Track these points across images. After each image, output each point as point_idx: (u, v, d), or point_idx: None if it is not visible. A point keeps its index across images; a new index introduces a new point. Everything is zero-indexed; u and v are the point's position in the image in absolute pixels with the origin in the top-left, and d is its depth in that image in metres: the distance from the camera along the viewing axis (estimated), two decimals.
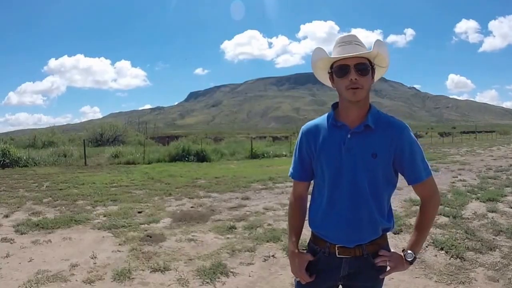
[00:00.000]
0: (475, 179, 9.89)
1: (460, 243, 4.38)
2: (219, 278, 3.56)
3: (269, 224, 5.50)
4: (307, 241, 1.73)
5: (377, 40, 1.48)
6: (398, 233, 4.78)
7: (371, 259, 1.56)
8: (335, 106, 1.61)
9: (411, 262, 1.56)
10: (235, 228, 5.27)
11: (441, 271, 3.65)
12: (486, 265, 3.77)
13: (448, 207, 6.14)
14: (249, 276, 3.64)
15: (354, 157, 1.50)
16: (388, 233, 1.66)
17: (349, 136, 1.51)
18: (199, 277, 3.57)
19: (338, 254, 1.56)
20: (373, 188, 1.51)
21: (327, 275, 1.61)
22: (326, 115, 1.62)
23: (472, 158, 16.82)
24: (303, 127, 1.66)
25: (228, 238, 4.86)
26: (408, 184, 1.57)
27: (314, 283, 1.63)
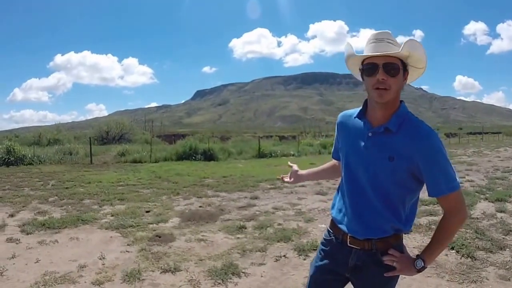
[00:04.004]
0: (483, 180, 9.86)
1: (470, 243, 4.39)
2: (231, 278, 3.54)
3: (279, 224, 5.49)
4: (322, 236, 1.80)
5: (409, 40, 1.40)
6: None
7: (379, 255, 1.54)
8: (366, 102, 1.59)
9: (419, 270, 1.50)
10: (245, 228, 5.26)
11: (453, 270, 3.65)
12: (497, 264, 3.79)
13: None
14: (261, 276, 3.63)
15: (369, 156, 1.50)
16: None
17: (369, 134, 1.51)
18: (210, 278, 3.55)
19: (349, 243, 1.59)
20: (382, 189, 1.49)
21: (337, 260, 1.65)
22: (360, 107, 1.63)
23: (479, 159, 16.75)
24: (340, 114, 1.74)
25: (238, 238, 4.85)
26: (428, 196, 1.51)
27: (325, 265, 1.69)
